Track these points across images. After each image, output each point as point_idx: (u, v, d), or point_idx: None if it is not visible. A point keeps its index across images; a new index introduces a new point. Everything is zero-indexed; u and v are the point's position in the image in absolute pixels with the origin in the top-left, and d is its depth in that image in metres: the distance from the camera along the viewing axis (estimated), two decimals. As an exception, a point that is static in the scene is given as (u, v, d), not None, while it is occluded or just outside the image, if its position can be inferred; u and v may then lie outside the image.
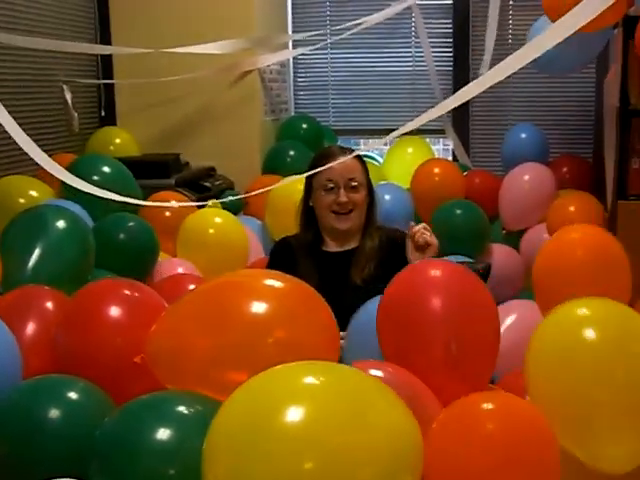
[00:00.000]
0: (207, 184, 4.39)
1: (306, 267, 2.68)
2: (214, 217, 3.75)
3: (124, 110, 4.90)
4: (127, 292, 2.04)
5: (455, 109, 3.06)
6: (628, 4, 3.05)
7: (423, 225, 2.58)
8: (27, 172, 3.74)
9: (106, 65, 4.86)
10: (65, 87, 4.36)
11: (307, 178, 2.77)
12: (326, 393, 1.29)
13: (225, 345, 1.66)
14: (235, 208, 4.12)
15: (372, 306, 2.03)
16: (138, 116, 4.84)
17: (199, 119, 4.81)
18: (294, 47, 5.26)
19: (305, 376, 1.31)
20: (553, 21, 2.89)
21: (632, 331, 1.66)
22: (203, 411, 1.54)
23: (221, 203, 4.02)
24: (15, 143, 2.65)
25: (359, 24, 4.66)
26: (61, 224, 2.77)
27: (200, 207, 3.77)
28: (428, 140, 5.13)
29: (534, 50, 2.19)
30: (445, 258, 2.67)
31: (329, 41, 5.04)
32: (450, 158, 5.23)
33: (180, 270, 3.36)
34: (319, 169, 2.63)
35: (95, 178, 3.34)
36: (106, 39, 4.83)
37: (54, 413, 1.69)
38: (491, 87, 2.27)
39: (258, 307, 1.68)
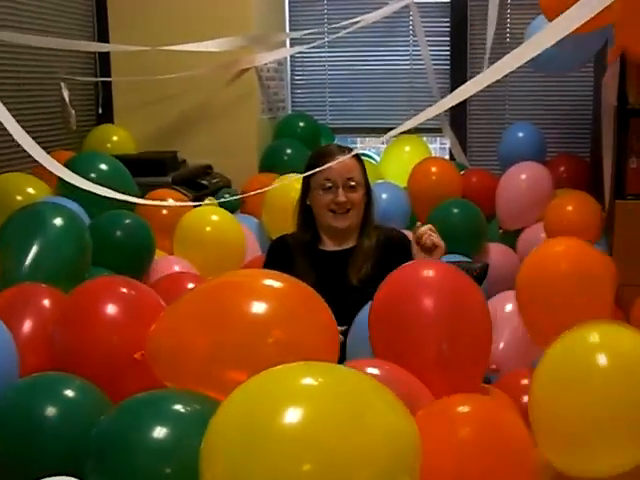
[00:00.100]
0: (204, 182, 4.39)
1: (303, 266, 2.67)
2: (211, 215, 3.75)
3: (121, 108, 4.89)
4: (124, 290, 2.04)
5: (452, 108, 3.06)
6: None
7: (429, 226, 2.56)
8: (24, 169, 3.74)
9: (104, 63, 4.86)
10: (63, 84, 4.36)
11: (305, 177, 2.77)
12: (324, 394, 1.28)
13: (225, 345, 1.66)
14: (232, 206, 4.12)
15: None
16: (135, 114, 4.84)
17: (196, 117, 4.81)
18: (291, 45, 5.26)
19: (303, 377, 1.30)
20: (550, 20, 2.89)
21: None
22: (200, 409, 1.54)
23: (218, 203, 4.03)
24: (12, 140, 2.65)
25: (357, 22, 4.66)
26: (58, 221, 2.77)
27: (196, 207, 3.77)
28: (425, 139, 5.12)
29: (532, 49, 2.18)
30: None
31: (326, 39, 5.04)
32: (447, 157, 5.23)
33: (177, 268, 3.36)
34: (318, 169, 2.63)
35: (92, 175, 3.33)
36: (104, 37, 4.83)
37: (51, 411, 1.69)
38: (489, 86, 2.26)
39: (258, 307, 1.68)
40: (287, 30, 5.31)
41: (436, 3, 5.15)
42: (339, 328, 1.82)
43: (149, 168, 4.13)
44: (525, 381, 2.22)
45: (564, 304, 2.33)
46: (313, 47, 4.98)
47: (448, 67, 5.14)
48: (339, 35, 4.77)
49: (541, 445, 1.60)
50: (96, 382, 1.81)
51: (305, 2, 5.30)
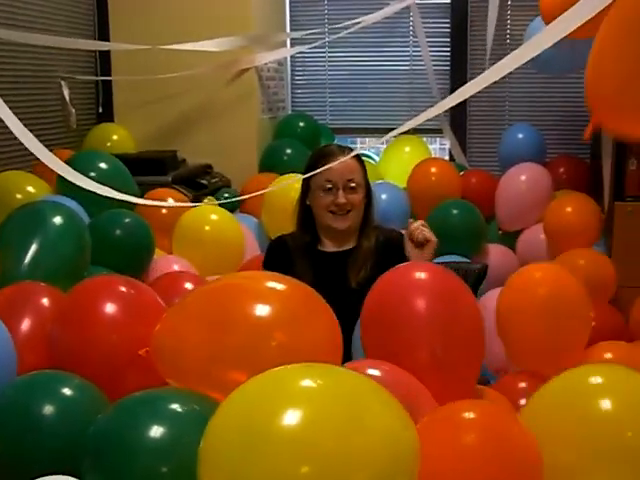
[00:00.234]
0: (204, 181, 4.39)
1: (302, 267, 2.67)
2: (210, 214, 3.75)
3: (121, 107, 4.89)
4: (123, 289, 2.03)
5: (452, 108, 3.06)
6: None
7: (421, 222, 2.57)
8: (24, 168, 3.74)
9: (104, 62, 4.86)
10: (63, 83, 4.36)
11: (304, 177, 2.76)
12: (323, 396, 1.28)
13: (228, 346, 1.66)
14: (231, 206, 4.12)
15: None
16: (135, 113, 4.84)
17: (196, 116, 4.81)
18: (292, 45, 5.26)
19: (302, 379, 1.30)
20: (549, 21, 2.89)
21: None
22: (198, 409, 1.54)
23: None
24: (12, 139, 2.64)
25: (357, 23, 4.66)
26: (58, 220, 2.77)
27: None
28: (425, 139, 5.13)
29: (532, 50, 2.18)
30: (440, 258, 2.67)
31: (327, 40, 5.04)
32: (447, 158, 5.23)
33: (176, 267, 3.36)
34: (319, 170, 2.62)
35: (92, 174, 3.32)
36: (105, 36, 4.83)
37: (48, 409, 1.69)
38: (488, 87, 2.26)
39: (261, 309, 1.68)
40: (288, 30, 5.32)
41: (436, 4, 5.15)
42: None
43: (149, 167, 4.13)
44: (523, 384, 2.22)
45: (542, 329, 2.37)
46: (313, 47, 4.99)
47: (448, 68, 5.14)
48: (339, 35, 4.77)
49: None
50: (95, 381, 1.81)
51: (306, 2, 5.30)
